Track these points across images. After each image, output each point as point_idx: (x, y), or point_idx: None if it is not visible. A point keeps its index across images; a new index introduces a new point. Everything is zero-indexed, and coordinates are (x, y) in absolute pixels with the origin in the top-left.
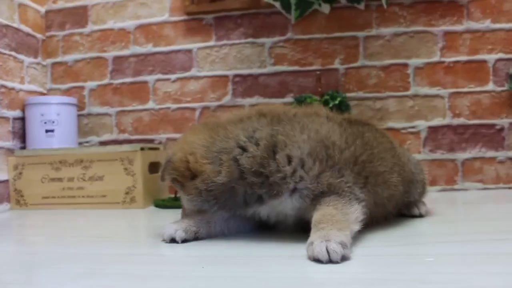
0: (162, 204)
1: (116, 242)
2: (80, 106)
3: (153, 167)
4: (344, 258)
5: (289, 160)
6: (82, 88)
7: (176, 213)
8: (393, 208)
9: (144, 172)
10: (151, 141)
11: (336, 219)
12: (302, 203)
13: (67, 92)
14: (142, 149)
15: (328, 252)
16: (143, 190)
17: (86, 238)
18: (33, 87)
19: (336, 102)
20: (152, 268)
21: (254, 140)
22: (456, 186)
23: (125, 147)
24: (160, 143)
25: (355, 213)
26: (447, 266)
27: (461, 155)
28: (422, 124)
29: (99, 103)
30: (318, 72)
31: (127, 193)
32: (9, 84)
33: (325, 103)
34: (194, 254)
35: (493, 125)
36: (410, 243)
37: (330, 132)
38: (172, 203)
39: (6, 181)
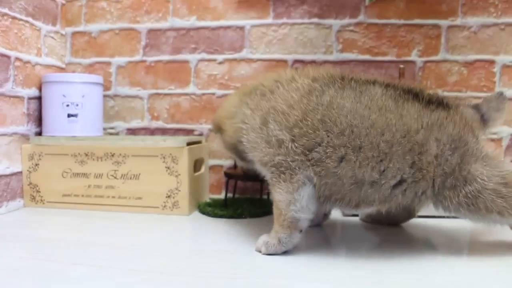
0: (211, 212)
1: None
2: (104, 85)
3: (196, 164)
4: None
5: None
6: (108, 64)
7: (229, 223)
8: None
9: (190, 172)
10: (191, 131)
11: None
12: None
13: (89, 68)
14: (188, 144)
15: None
16: (189, 193)
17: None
18: (49, 61)
19: None
20: None
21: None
22: None
23: (169, 142)
24: (201, 134)
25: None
26: None
27: None
28: (505, 131)
29: (128, 83)
30: (401, 66)
31: (168, 196)
32: (25, 56)
33: None
34: None
35: None
36: None
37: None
38: (222, 212)
39: (20, 173)
